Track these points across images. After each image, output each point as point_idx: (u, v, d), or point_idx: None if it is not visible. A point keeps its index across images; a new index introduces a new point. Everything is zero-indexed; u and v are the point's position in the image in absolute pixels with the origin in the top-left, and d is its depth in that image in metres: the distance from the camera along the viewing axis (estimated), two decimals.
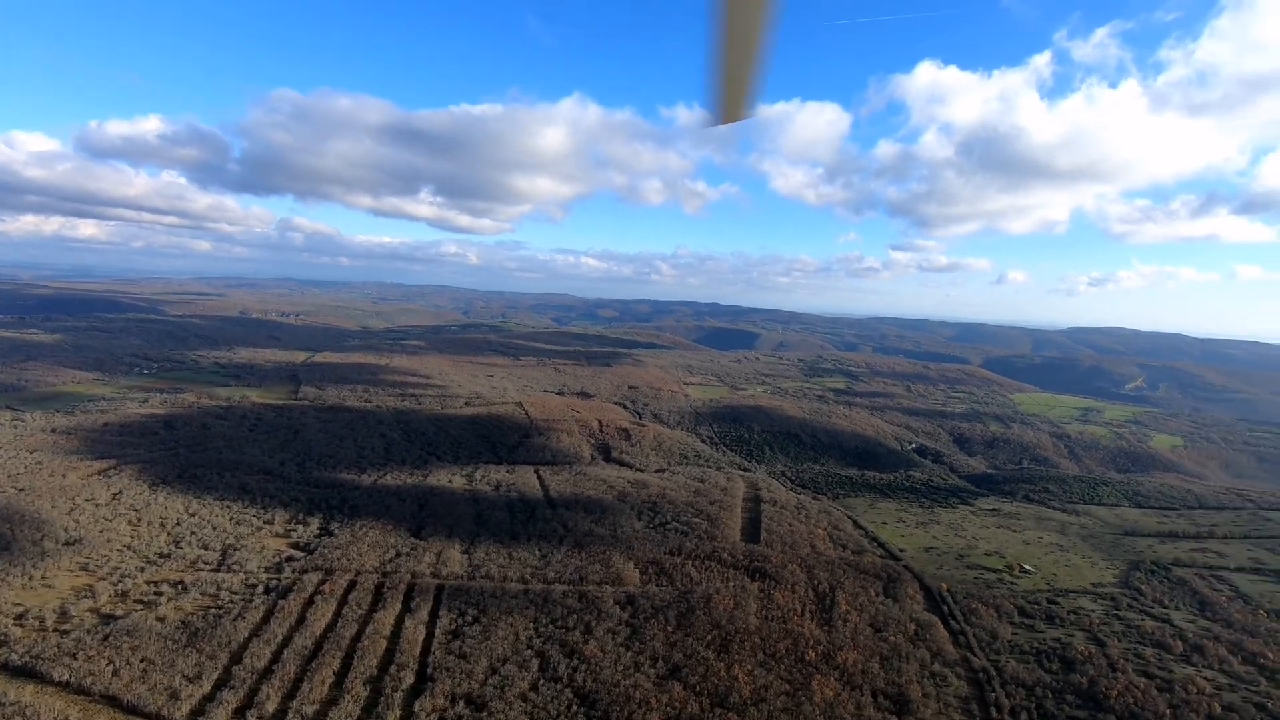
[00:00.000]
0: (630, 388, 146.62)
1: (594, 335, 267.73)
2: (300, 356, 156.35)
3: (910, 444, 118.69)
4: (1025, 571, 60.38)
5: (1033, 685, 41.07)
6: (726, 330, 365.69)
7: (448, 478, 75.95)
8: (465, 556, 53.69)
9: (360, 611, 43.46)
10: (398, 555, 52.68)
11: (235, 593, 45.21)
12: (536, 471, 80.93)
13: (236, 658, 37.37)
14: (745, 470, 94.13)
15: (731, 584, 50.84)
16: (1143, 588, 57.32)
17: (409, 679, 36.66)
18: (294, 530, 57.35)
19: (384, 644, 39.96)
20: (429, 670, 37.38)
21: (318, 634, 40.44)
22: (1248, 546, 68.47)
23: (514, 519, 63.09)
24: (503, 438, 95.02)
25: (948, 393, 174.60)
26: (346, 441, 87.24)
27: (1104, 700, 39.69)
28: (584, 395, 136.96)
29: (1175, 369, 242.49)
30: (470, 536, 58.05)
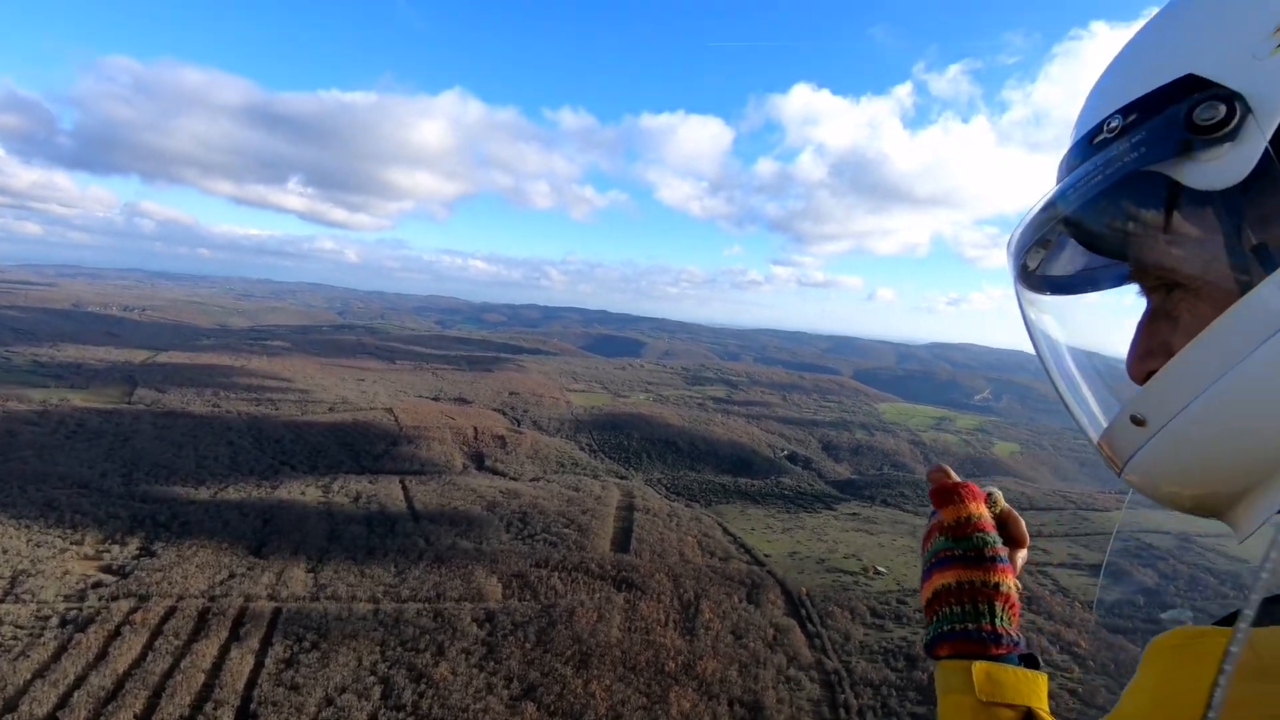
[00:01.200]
0: (511, 394, 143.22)
1: (478, 340, 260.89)
2: (140, 356, 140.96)
3: (783, 451, 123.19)
4: (879, 573, 63.52)
5: (879, 684, 42.82)
6: (615, 338, 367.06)
7: (300, 489, 70.26)
8: (311, 575, 49.49)
9: (177, 643, 38.71)
10: (231, 576, 47.70)
11: (21, 627, 39.04)
12: (402, 482, 76.60)
13: (11, 705, 32.07)
14: (623, 478, 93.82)
15: (597, 596, 49.87)
16: None
17: (227, 717, 32.88)
18: (107, 552, 50.67)
19: (201, 678, 35.71)
20: (252, 706, 33.73)
21: (120, 671, 35.53)
22: (1068, 543, 75.58)
23: (372, 533, 59.09)
24: (368, 446, 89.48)
25: (819, 402, 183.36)
26: (185, 450, 78.91)
27: None
28: (462, 401, 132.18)
29: (1016, 383, 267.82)
30: (319, 554, 53.66)
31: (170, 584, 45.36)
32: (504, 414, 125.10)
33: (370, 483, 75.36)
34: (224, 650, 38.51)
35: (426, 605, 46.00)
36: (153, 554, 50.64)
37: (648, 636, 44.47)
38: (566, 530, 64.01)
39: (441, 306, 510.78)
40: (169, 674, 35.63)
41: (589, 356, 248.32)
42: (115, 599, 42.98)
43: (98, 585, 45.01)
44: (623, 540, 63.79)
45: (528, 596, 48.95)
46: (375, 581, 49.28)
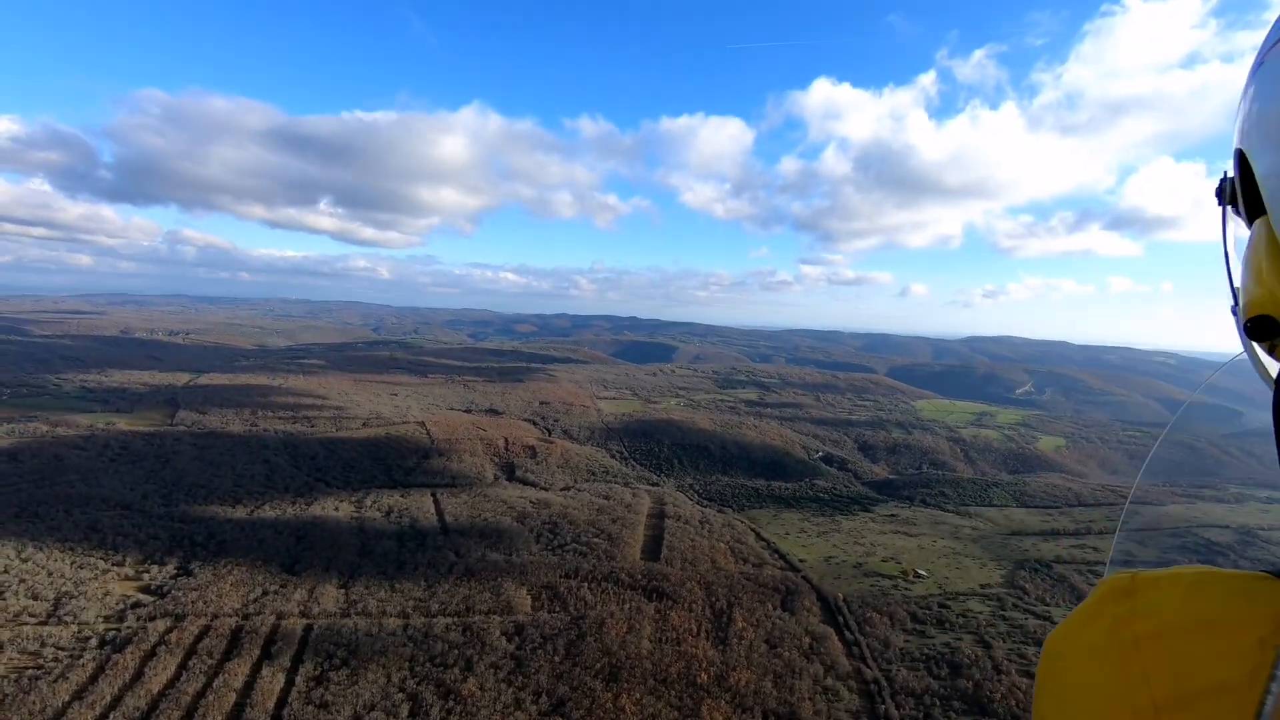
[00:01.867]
0: (541, 403, 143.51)
1: (509, 351, 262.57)
2: (183, 379, 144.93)
3: (817, 453, 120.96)
4: (919, 576, 61.56)
5: (921, 693, 41.20)
6: (644, 344, 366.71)
7: (334, 505, 70.99)
8: (342, 592, 49.69)
9: (211, 662, 39.05)
10: (264, 594, 48.13)
11: (62, 648, 39.81)
12: (434, 495, 76.95)
13: None
14: (654, 485, 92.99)
15: (627, 606, 49.08)
16: (1027, 586, 59.38)
17: None
18: (146, 572, 51.63)
19: (233, 698, 35.89)
20: None
21: (155, 692, 35.91)
22: (1119, 539, 72.35)
23: (403, 548, 59.26)
24: (400, 460, 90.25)
25: (854, 401, 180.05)
26: (223, 470, 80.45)
27: (988, 704, 40.17)
28: (493, 412, 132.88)
29: (1059, 374, 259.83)
30: (351, 569, 53.92)
31: (205, 603, 45.91)
32: (535, 424, 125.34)
33: (402, 497, 75.86)
34: (255, 669, 38.70)
35: (456, 619, 45.74)
36: (190, 573, 51.42)
37: (679, 647, 43.53)
38: (596, 540, 63.40)
39: (473, 319, 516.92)
40: (201, 694, 35.88)
41: (619, 363, 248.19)
42: (153, 619, 43.61)
43: (136, 605, 45.75)
44: (653, 548, 62.93)
45: (557, 608, 48.39)
46: (405, 596, 49.24)
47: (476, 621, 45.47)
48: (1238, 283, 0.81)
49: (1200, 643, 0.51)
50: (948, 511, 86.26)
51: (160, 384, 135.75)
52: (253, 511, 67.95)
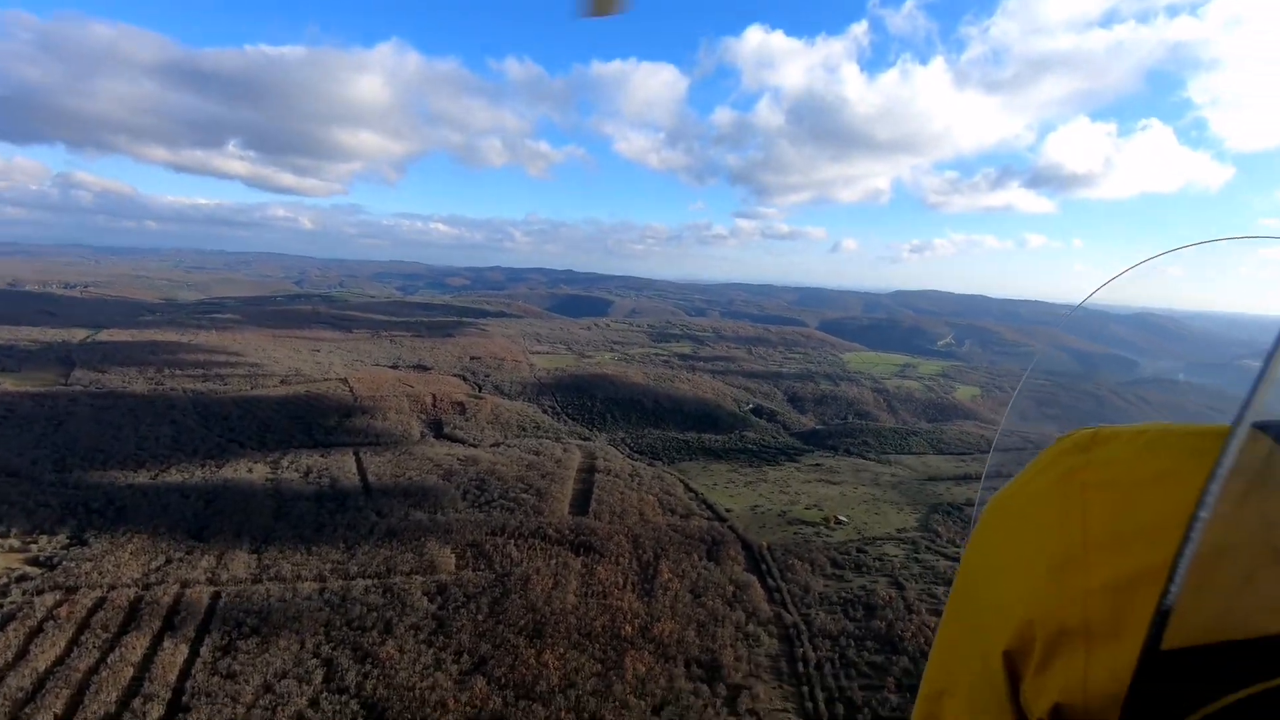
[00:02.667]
0: (472, 358, 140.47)
1: (439, 305, 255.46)
2: (79, 335, 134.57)
3: (748, 405, 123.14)
4: (840, 523, 63.75)
5: (838, 635, 42.80)
6: (581, 298, 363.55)
7: (247, 467, 67.76)
8: (254, 557, 47.62)
9: (105, 636, 36.79)
10: (168, 563, 45.62)
11: None
12: (356, 454, 74.50)
13: None
14: (586, 439, 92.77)
15: (554, 561, 48.91)
16: (939, 529, 62.33)
17: (157, 711, 31.31)
18: (34, 543, 48.04)
19: (130, 672, 33.96)
20: (184, 698, 32.18)
21: (42, 670, 33.60)
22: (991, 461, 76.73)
23: (321, 510, 57.17)
24: (320, 418, 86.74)
25: (785, 354, 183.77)
26: (125, 432, 75.42)
27: (899, 643, 42.08)
28: (421, 368, 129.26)
29: (978, 327, 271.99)
30: (264, 534, 51.66)
31: (100, 574, 43.15)
32: (465, 379, 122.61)
33: (322, 457, 73.08)
34: (156, 641, 36.72)
35: (376, 581, 44.60)
36: (84, 543, 48.18)
37: (604, 601, 43.73)
38: (525, 495, 62.76)
39: (403, 272, 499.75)
40: (94, 670, 33.80)
41: (554, 318, 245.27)
42: (40, 592, 40.71)
43: (22, 579, 42.61)
44: (582, 503, 62.83)
45: (482, 566, 47.79)
46: (323, 560, 47.64)
47: (398, 583, 44.44)
48: None
49: (1147, 494, 0.51)
50: (869, 460, 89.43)
51: (53, 340, 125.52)
52: (157, 476, 64.11)
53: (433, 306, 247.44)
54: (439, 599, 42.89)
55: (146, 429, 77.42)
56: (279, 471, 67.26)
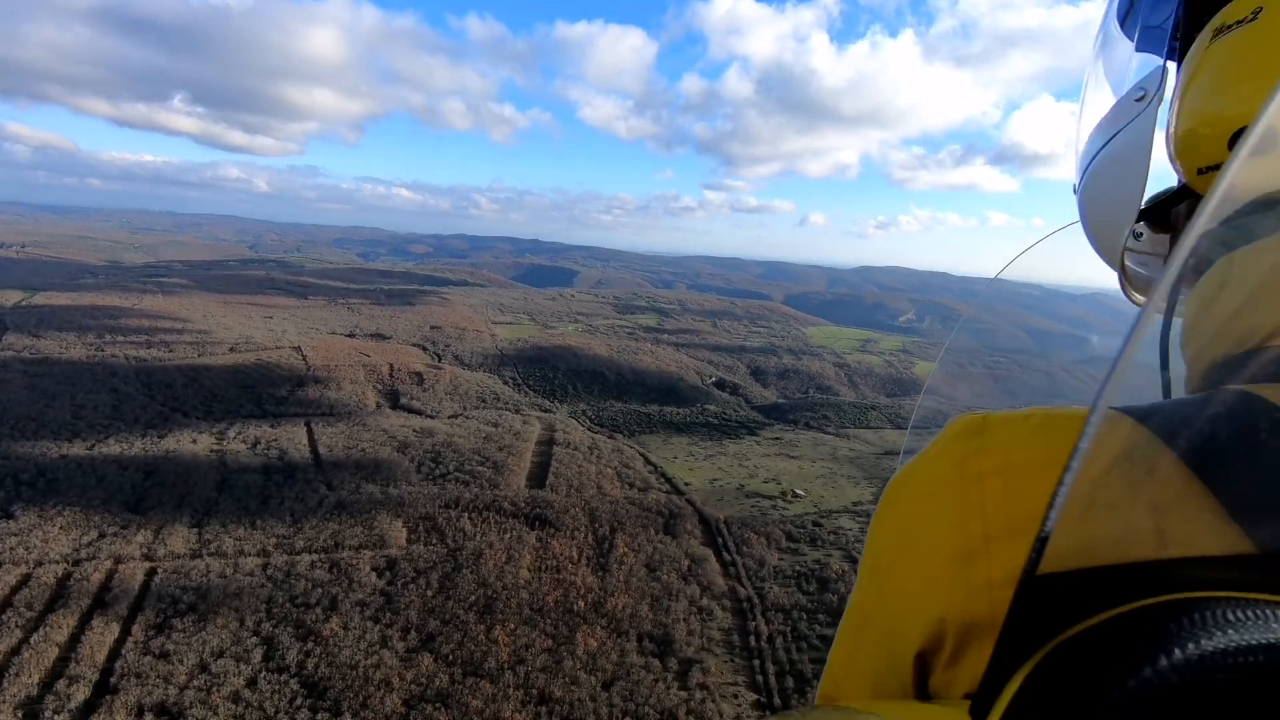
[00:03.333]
0: (433, 328, 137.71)
1: (400, 273, 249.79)
2: (14, 298, 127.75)
3: (711, 378, 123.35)
4: (797, 496, 64.22)
5: (790, 608, 43.07)
6: (546, 268, 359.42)
7: (191, 438, 65.30)
8: (194, 532, 45.92)
9: (30, 615, 35.03)
10: (101, 537, 43.69)
11: None
12: (308, 425, 72.38)
13: None
14: (546, 411, 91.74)
15: (508, 536, 48.23)
16: None
17: (83, 694, 29.92)
18: None
19: (55, 653, 32.39)
20: (113, 679, 30.82)
21: None
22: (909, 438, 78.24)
23: (268, 482, 55.43)
24: (271, 388, 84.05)
25: (750, 328, 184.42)
26: (60, 400, 71.99)
27: None
28: (379, 337, 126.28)
29: (939, 304, 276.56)
30: (206, 507, 49.87)
31: (26, 550, 41.07)
32: (424, 349, 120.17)
33: (272, 428, 70.84)
34: (85, 620, 35.11)
35: (322, 556, 43.38)
36: (10, 516, 45.78)
37: (558, 576, 43.26)
38: (481, 468, 61.74)
39: (363, 239, 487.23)
40: (15, 651, 32.14)
41: (518, 287, 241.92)
42: None
43: None
44: (539, 476, 62.05)
45: (434, 541, 46.86)
46: (267, 534, 46.15)
47: (345, 558, 43.29)
48: (1171, 116, 0.79)
49: (1037, 478, 0.56)
50: (829, 434, 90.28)
51: None
52: (93, 446, 61.35)
53: (393, 274, 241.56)
54: (388, 574, 41.92)
55: (84, 397, 74.02)
56: (225, 443, 64.98)
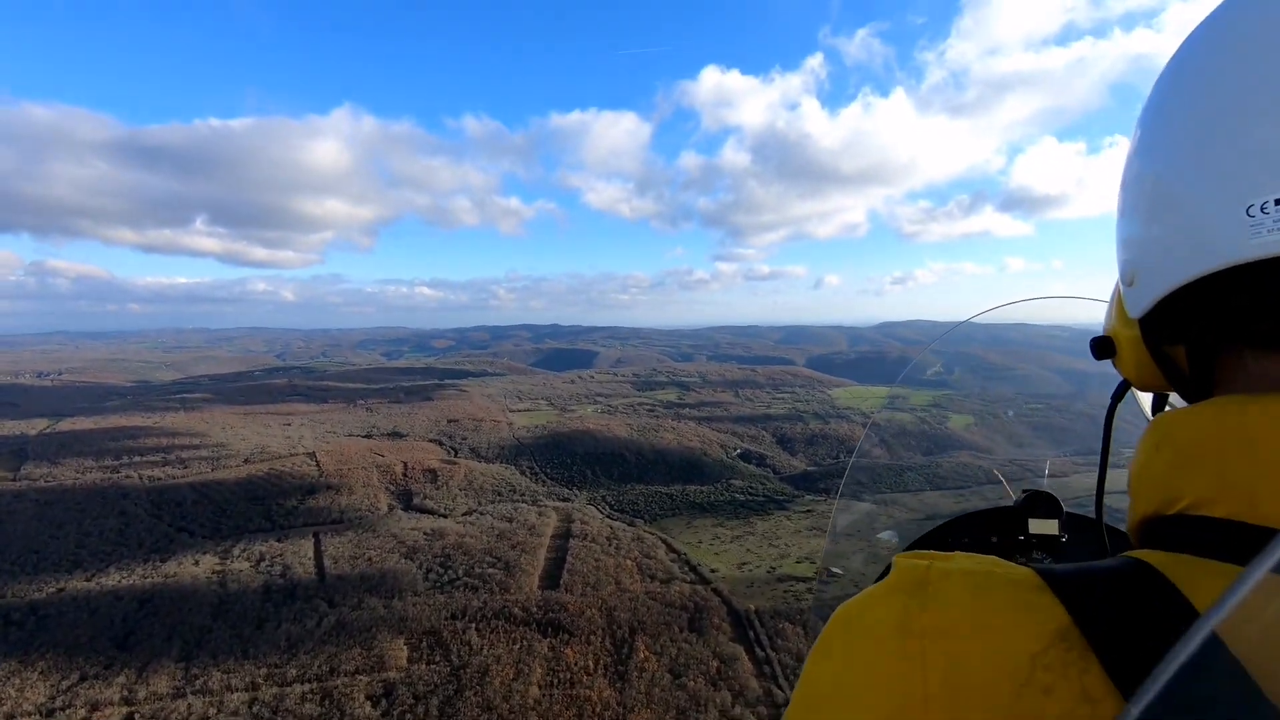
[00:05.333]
0: (450, 421, 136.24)
1: (420, 369, 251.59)
2: (40, 425, 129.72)
3: (735, 451, 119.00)
4: (833, 574, 58.73)
5: None
6: (565, 351, 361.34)
7: (194, 559, 62.85)
8: (181, 667, 42.70)
9: None
10: (81, 680, 40.70)
11: None
12: (316, 536, 69.72)
13: None
14: (564, 500, 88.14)
15: (517, 646, 44.22)
16: None
17: None
18: None
19: None
20: None
21: None
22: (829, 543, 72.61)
23: (266, 604, 52.36)
24: (281, 499, 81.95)
25: (773, 394, 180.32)
26: (67, 529, 70.50)
27: None
28: (395, 435, 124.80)
29: (965, 354, 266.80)
30: (198, 637, 46.80)
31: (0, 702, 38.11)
32: (440, 444, 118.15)
33: (279, 541, 68.28)
34: None
35: (315, 686, 39.75)
36: None
37: (571, 691, 39.02)
38: (492, 570, 58.09)
39: (388, 338, 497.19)
40: None
41: (537, 373, 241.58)
42: None
43: None
44: (554, 574, 58.09)
45: (438, 658, 43.01)
46: (259, 664, 42.76)
47: (340, 685, 39.63)
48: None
49: (978, 644, 0.55)
50: (864, 500, 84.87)
51: (9, 434, 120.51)
52: (92, 577, 59.10)
53: (414, 370, 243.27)
54: (384, 701, 38.10)
55: (91, 524, 72.49)
56: (228, 562, 62.36)
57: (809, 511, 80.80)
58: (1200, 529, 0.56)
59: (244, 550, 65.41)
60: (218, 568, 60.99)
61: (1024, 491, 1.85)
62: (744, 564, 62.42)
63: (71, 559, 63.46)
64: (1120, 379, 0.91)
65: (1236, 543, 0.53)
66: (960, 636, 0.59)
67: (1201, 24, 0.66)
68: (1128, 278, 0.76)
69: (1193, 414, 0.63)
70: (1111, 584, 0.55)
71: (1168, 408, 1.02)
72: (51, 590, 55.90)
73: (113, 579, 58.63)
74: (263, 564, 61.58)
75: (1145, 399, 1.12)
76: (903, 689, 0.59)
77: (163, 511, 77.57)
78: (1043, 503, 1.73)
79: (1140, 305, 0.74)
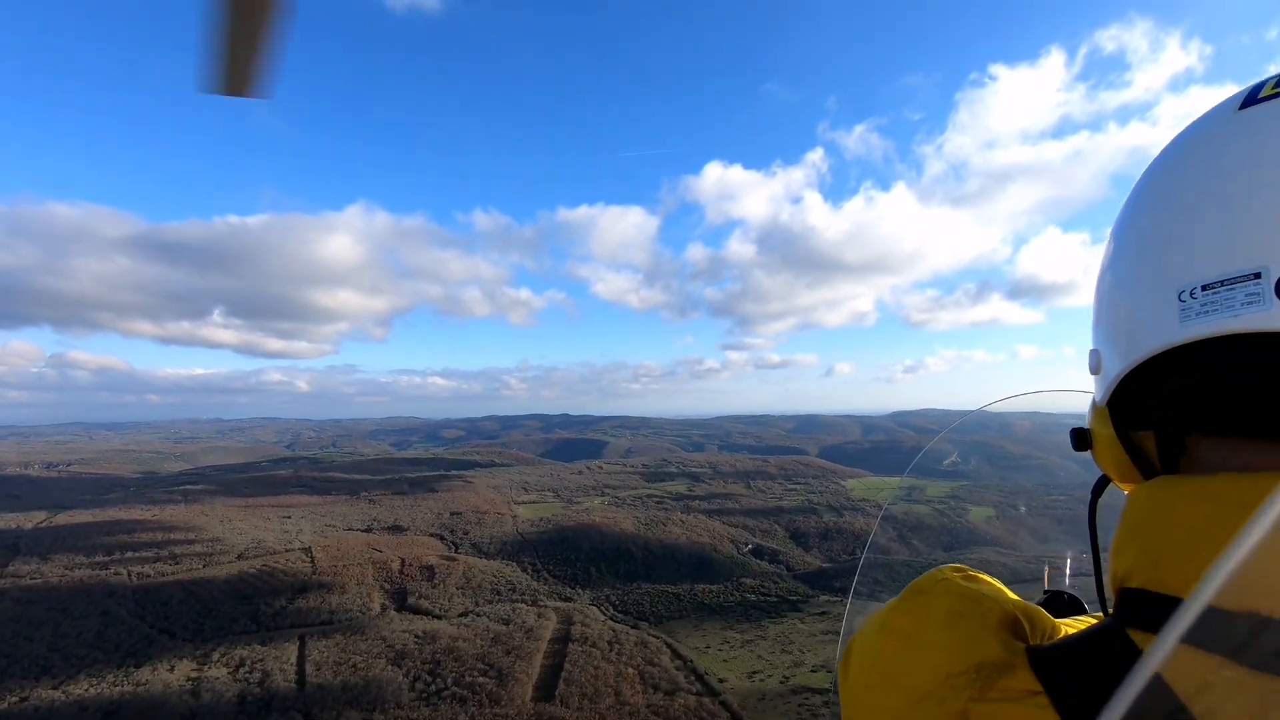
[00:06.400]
0: (452, 514, 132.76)
1: (428, 459, 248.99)
2: (38, 518, 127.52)
3: (747, 546, 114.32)
4: None
5: None
6: (575, 441, 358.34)
7: (170, 665, 59.26)
8: None
9: None
10: None
11: None
12: (301, 639, 65.96)
13: None
14: (566, 600, 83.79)
15: None
16: None
17: None
18: None
19: None
20: None
21: None
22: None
23: (238, 718, 48.61)
24: (270, 598, 78.42)
25: (786, 486, 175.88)
26: (43, 631, 67.28)
27: None
28: (396, 529, 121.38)
29: (981, 443, 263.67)
30: None
31: None
32: (442, 538, 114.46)
33: (262, 645, 64.58)
34: None
35: None
36: None
37: None
38: (483, 679, 54.11)
39: (398, 428, 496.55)
40: None
41: (545, 463, 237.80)
42: None
43: None
44: (549, 683, 53.94)
45: None
46: None
47: None
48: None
49: (920, 653, 0.64)
50: (883, 600, 79.93)
51: (5, 527, 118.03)
52: (60, 684, 55.58)
53: (421, 461, 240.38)
54: None
55: (70, 625, 69.25)
56: (206, 668, 58.72)
57: (824, 613, 75.91)
58: (1128, 601, 0.59)
59: (224, 654, 61.73)
60: (194, 674, 57.35)
61: (1045, 592, 1.81)
62: (755, 673, 57.86)
63: (42, 664, 60.02)
64: (1099, 474, 0.97)
65: (1147, 612, 0.56)
66: (916, 644, 0.63)
67: (1158, 155, 0.73)
68: (1093, 366, 0.80)
69: (1133, 494, 0.67)
70: (1080, 648, 0.58)
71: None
72: (14, 699, 52.45)
73: (81, 687, 55.08)
74: (241, 670, 57.90)
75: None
76: (862, 680, 0.66)
77: (146, 611, 74.20)
78: (1065, 603, 1.71)
79: (1101, 391, 0.77)
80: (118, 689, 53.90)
